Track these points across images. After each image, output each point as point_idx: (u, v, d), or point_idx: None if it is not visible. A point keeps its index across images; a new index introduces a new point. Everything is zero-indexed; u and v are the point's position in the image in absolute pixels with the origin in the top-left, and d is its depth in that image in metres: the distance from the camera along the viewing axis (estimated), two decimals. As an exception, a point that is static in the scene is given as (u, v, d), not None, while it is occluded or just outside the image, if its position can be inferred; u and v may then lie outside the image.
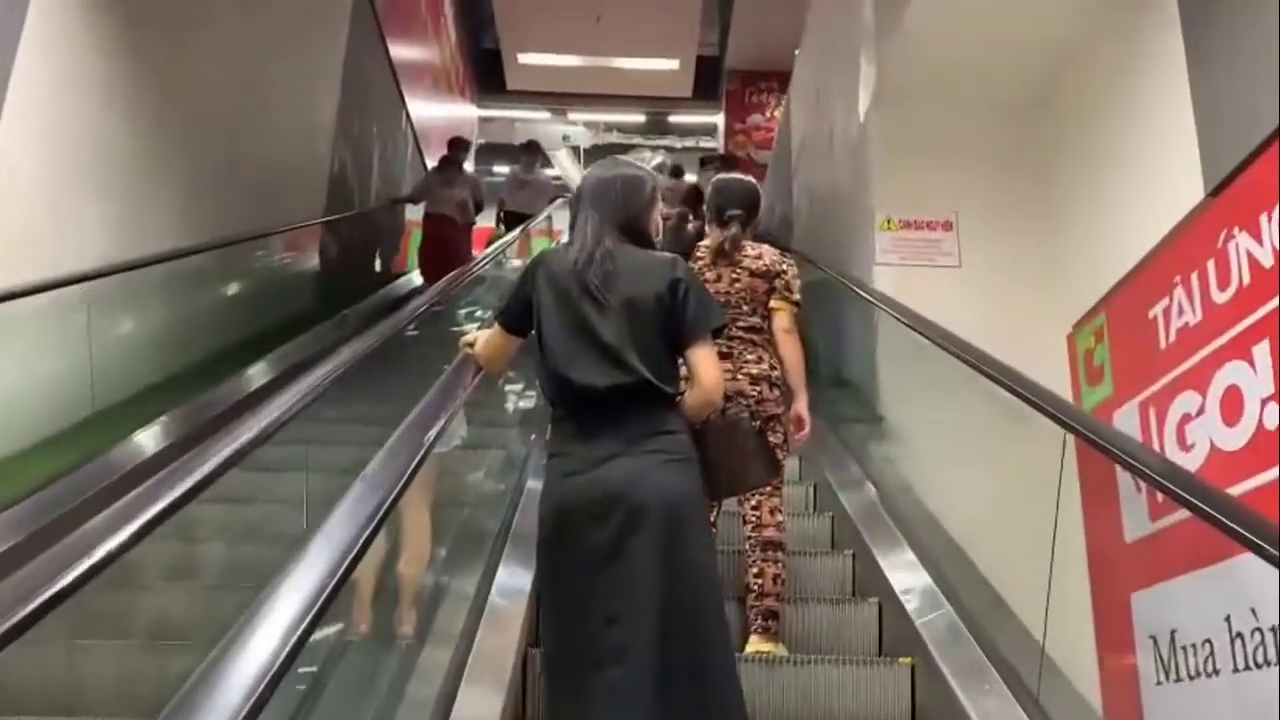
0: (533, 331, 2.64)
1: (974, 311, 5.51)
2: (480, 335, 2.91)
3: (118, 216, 5.22)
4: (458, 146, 10.48)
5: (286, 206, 7.37)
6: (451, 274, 5.13)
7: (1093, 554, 4.46)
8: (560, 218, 12.62)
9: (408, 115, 11.37)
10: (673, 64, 15.76)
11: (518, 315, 2.69)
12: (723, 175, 4.36)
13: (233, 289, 6.43)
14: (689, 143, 18.53)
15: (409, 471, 2.17)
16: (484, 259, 6.12)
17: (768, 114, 16.22)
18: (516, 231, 8.53)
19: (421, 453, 2.32)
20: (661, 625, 2.33)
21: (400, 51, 11.00)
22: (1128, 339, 4.87)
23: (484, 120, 17.74)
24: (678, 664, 2.33)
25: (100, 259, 4.82)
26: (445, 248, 9.33)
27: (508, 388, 4.36)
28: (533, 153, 11.59)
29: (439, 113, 13.66)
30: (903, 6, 5.57)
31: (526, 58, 15.49)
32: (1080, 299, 5.34)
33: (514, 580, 3.40)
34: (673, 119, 18.58)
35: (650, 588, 2.34)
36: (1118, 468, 3.11)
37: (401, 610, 2.92)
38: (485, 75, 16.79)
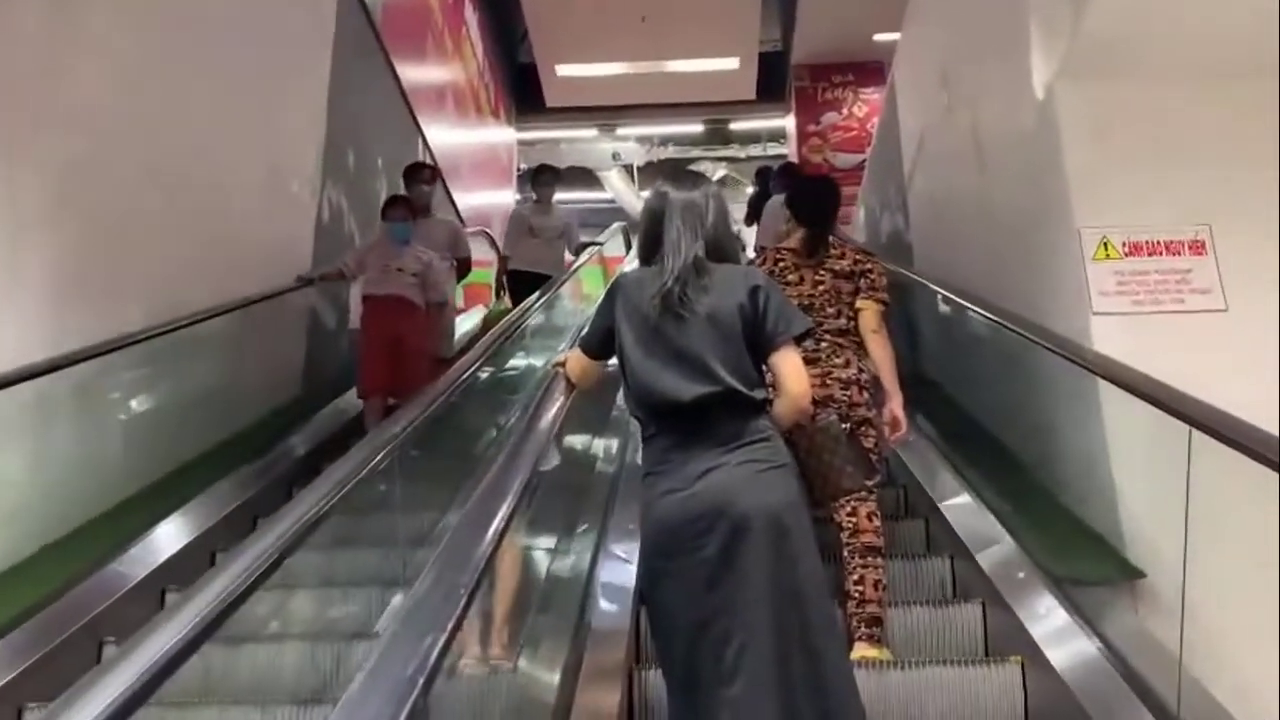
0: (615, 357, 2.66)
1: (1256, 380, 3.55)
2: (569, 355, 2.91)
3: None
4: (415, 177, 6.72)
5: (249, 278, 5.54)
6: (378, 434, 2.91)
7: None
8: (611, 248, 10.81)
9: (426, 145, 9.57)
10: (732, 63, 13.76)
11: (599, 343, 2.73)
12: (806, 177, 4.59)
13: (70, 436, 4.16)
14: (754, 151, 16.51)
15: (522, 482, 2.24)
16: (450, 387, 3.56)
17: (845, 111, 14.21)
18: (504, 324, 5.03)
19: (528, 471, 2.34)
20: (777, 638, 2.30)
21: (412, 73, 9.22)
22: None
23: (524, 144, 15.88)
24: (797, 675, 2.29)
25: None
26: (395, 351, 5.59)
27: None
28: (547, 183, 8.07)
29: (468, 139, 11.85)
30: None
31: (565, 70, 13.57)
32: None
33: (614, 596, 3.30)
34: (735, 126, 16.51)
35: (762, 601, 2.31)
36: None
37: (497, 632, 2.75)
38: (522, 93, 14.90)
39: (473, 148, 11.96)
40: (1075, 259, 3.98)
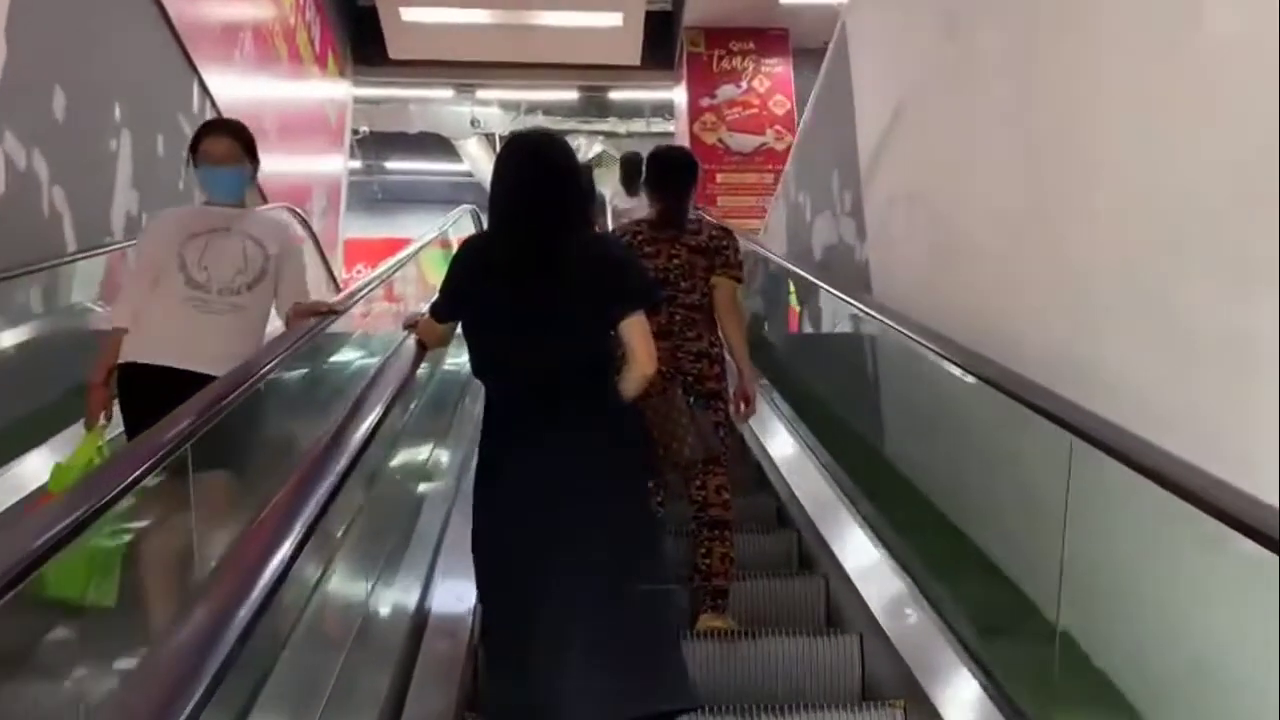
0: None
1: None
2: (421, 321, 2.89)
3: None
4: None
5: None
6: None
7: None
8: (460, 231, 8.62)
9: (206, 93, 7.11)
10: (614, 19, 11.54)
11: (447, 310, 2.69)
12: (662, 145, 4.61)
13: None
14: (637, 126, 14.33)
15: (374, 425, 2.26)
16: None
17: (744, 84, 12.23)
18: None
19: (375, 418, 2.30)
20: (611, 610, 2.32)
21: (187, 5, 6.79)
22: None
23: (364, 102, 13.30)
24: (629, 649, 2.30)
25: None
26: None
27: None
28: (215, 158, 3.20)
29: (276, 91, 9.33)
30: None
31: (412, 14, 11.08)
32: None
33: (458, 578, 3.23)
34: (616, 95, 14.27)
35: (597, 573, 2.33)
36: None
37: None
38: (360, 41, 12.30)
39: (285, 102, 9.45)
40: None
